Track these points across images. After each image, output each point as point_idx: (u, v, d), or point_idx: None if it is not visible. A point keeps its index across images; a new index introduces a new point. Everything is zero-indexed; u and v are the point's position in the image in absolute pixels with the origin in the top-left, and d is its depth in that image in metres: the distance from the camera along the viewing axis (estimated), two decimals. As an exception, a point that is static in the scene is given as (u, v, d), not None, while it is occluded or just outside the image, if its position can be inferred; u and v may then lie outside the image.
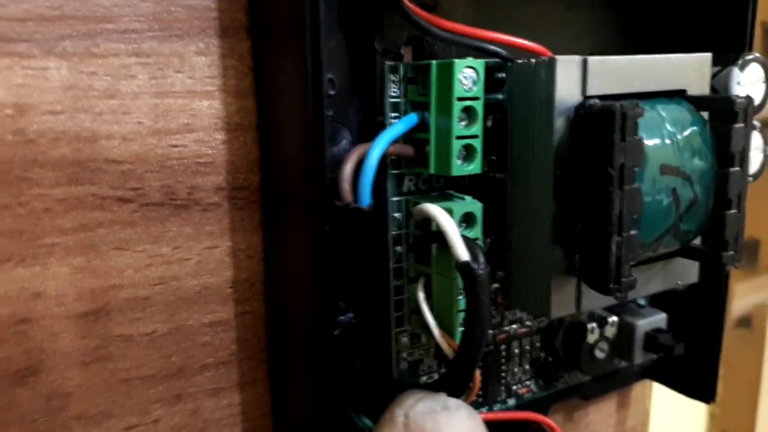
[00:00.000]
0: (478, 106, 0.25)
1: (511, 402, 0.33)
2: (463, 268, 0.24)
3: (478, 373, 0.26)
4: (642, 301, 0.37)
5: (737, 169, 0.27)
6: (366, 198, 0.24)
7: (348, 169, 0.24)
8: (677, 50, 0.28)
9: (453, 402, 0.24)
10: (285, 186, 0.25)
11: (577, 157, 0.25)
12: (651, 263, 0.28)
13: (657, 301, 0.37)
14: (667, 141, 0.26)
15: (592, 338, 0.34)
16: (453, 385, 0.25)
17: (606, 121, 0.23)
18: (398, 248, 0.28)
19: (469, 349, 0.25)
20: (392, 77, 0.27)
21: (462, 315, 0.26)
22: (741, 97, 0.26)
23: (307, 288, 0.24)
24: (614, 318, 0.34)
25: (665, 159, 0.26)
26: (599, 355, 0.34)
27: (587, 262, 0.25)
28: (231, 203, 0.26)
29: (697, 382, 0.38)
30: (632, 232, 0.24)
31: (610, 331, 0.34)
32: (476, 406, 0.32)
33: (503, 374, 0.33)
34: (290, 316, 0.26)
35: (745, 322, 0.70)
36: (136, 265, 0.25)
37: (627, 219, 0.24)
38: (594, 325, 0.34)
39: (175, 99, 0.24)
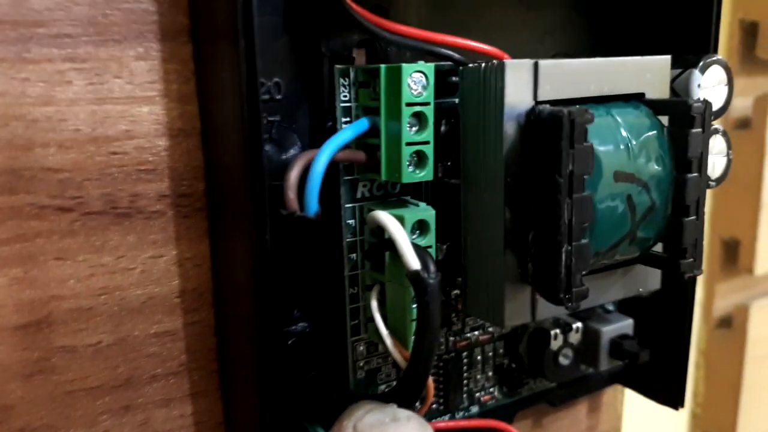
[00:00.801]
0: (428, 111, 0.25)
1: (474, 409, 0.33)
2: (414, 277, 0.24)
3: (431, 382, 0.26)
4: (610, 307, 0.36)
5: (695, 174, 0.26)
6: (312, 206, 0.24)
7: (293, 175, 0.24)
8: (643, 51, 0.27)
9: (403, 413, 0.24)
10: (226, 193, 0.25)
11: (527, 164, 0.24)
12: (610, 270, 0.28)
13: (625, 307, 0.37)
14: (622, 147, 0.25)
15: (555, 345, 0.33)
16: (404, 395, 0.25)
17: (554, 128, 0.23)
18: (353, 256, 0.28)
19: (419, 358, 0.24)
20: (343, 81, 0.26)
21: (414, 324, 0.26)
22: (698, 101, 0.26)
23: (250, 297, 0.24)
24: (579, 324, 0.34)
25: (619, 166, 0.25)
26: (563, 361, 0.34)
27: (539, 270, 0.25)
28: (175, 211, 0.25)
29: (666, 388, 0.37)
30: (583, 242, 0.24)
31: (574, 338, 0.34)
32: (437, 414, 0.32)
33: (465, 381, 0.32)
34: (237, 325, 0.26)
35: (726, 322, 0.69)
36: (77, 275, 0.24)
37: (577, 228, 0.23)
38: (557, 331, 0.33)
39: (114, 105, 0.24)
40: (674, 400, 0.37)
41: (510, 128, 0.24)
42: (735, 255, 0.68)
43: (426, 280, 0.24)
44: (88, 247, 0.24)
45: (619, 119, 0.26)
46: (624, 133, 0.26)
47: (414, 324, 0.26)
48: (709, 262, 0.69)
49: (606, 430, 0.43)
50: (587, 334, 0.34)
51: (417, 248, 0.24)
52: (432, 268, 0.24)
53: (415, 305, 0.25)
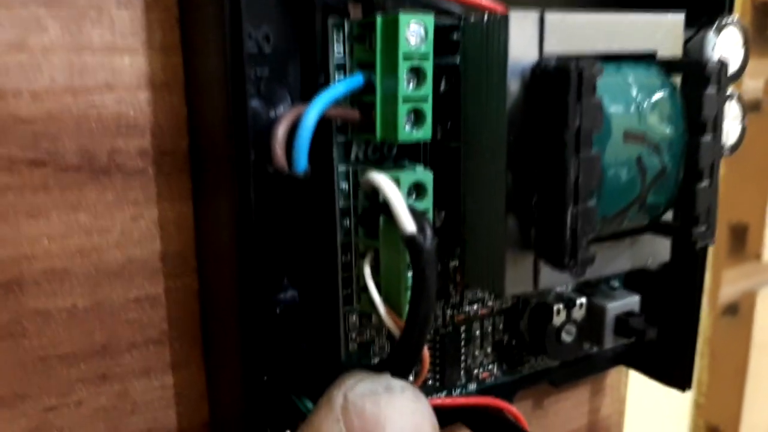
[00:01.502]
0: (427, 65, 0.23)
1: (472, 387, 0.32)
2: (409, 240, 0.22)
3: (427, 352, 0.24)
4: (615, 283, 0.35)
5: (709, 137, 0.25)
6: (301, 164, 0.22)
7: (281, 131, 0.22)
8: (652, 8, 0.26)
9: (397, 383, 0.23)
10: (210, 151, 0.23)
11: (532, 122, 0.23)
12: (618, 240, 0.27)
13: (631, 282, 0.35)
14: (632, 106, 0.24)
15: (558, 320, 0.32)
16: (398, 365, 0.23)
17: (561, 81, 0.21)
18: (346, 221, 0.26)
19: (415, 326, 0.23)
20: (336, 35, 0.25)
21: (410, 292, 0.24)
22: (713, 61, 0.24)
23: (234, 262, 0.22)
24: (583, 300, 0.32)
25: (629, 125, 0.24)
26: (566, 338, 0.32)
27: (543, 235, 0.23)
28: (157, 169, 0.24)
29: (673, 369, 0.36)
30: (590, 204, 0.22)
31: (578, 314, 0.32)
32: (433, 390, 0.30)
33: (463, 358, 0.31)
34: (221, 292, 0.25)
35: (732, 309, 0.68)
36: (51, 234, 0.23)
37: (584, 189, 0.22)
38: (560, 306, 0.32)
39: (93, 55, 0.22)
40: (681, 382, 0.36)
41: (514, 84, 0.23)
42: (743, 240, 0.67)
43: (422, 243, 0.22)
44: (62, 205, 0.23)
45: (629, 77, 0.24)
46: (635, 92, 0.24)
47: (409, 292, 0.24)
48: (716, 247, 0.67)
49: (609, 413, 0.41)
50: (591, 310, 0.33)
51: (413, 211, 0.23)
52: (428, 231, 0.23)
53: (410, 272, 0.24)
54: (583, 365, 0.36)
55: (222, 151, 0.23)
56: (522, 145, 0.23)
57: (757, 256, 0.66)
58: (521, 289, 0.25)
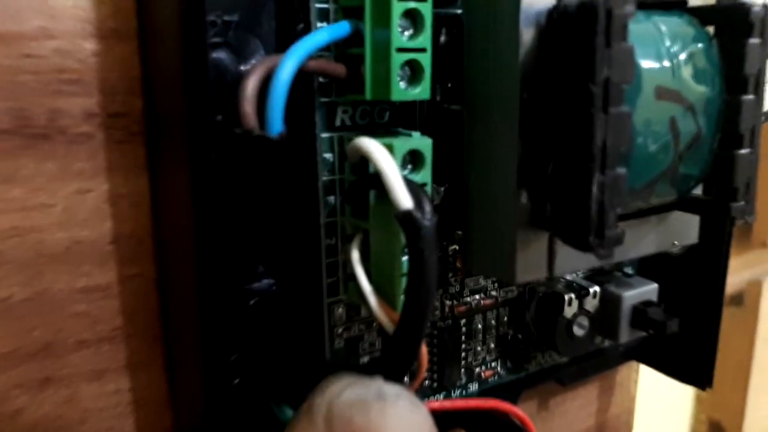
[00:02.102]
0: (425, 8, 0.20)
1: (474, 387, 0.28)
2: (405, 218, 0.19)
3: (425, 350, 0.21)
4: (629, 269, 0.31)
5: (751, 96, 0.21)
6: (275, 124, 0.19)
7: (251, 84, 0.18)
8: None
9: (391, 389, 0.19)
10: (168, 113, 0.20)
11: (549, 76, 0.19)
12: (642, 218, 0.23)
13: (644, 269, 0.32)
14: (665, 59, 0.20)
15: (569, 312, 0.28)
16: (392, 366, 0.20)
17: (586, 23, 0.18)
18: (331, 198, 0.23)
19: (412, 319, 0.19)
20: (318, -24, 0.21)
21: (405, 279, 0.21)
22: (757, 5, 0.21)
23: (194, 245, 0.19)
24: (596, 288, 0.29)
25: (662, 80, 0.20)
26: (578, 332, 0.29)
27: (561, 211, 0.20)
28: (106, 134, 0.20)
29: (692, 365, 0.33)
30: (619, 171, 0.19)
31: (591, 304, 0.29)
32: (430, 392, 0.27)
33: (463, 354, 0.27)
34: (182, 281, 0.21)
35: (737, 300, 0.65)
36: (-23, 212, 0.19)
37: (612, 152, 0.18)
38: (572, 296, 0.28)
39: (25, -8, 0.19)
40: (700, 379, 0.33)
41: (527, 32, 0.19)
42: (748, 228, 0.64)
43: (420, 220, 0.19)
44: (-9, 176, 0.19)
45: (661, 26, 0.21)
46: (668, 43, 0.21)
47: (404, 279, 0.21)
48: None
49: (618, 412, 0.38)
50: (605, 300, 0.29)
51: (409, 183, 0.19)
52: (427, 207, 0.19)
53: (405, 256, 0.21)
54: (594, 361, 0.32)
55: (181, 112, 0.19)
56: (537, 103, 0.20)
57: (763, 244, 0.63)
58: (534, 275, 0.21)
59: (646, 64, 0.20)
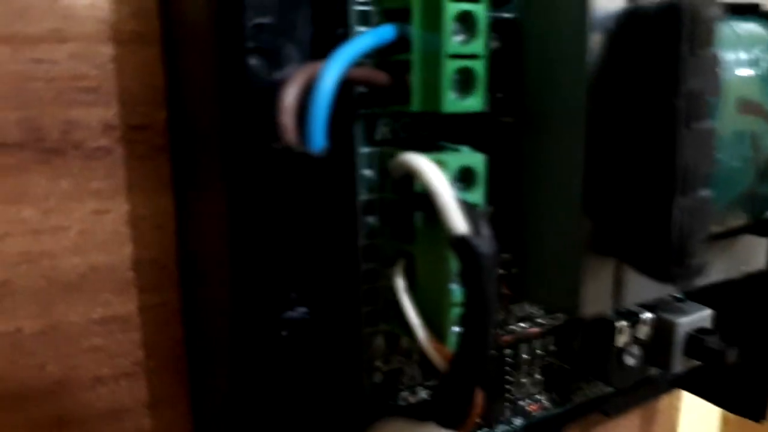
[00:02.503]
0: (479, 11, 0.18)
1: (518, 422, 0.26)
2: (460, 244, 0.17)
3: (481, 394, 0.19)
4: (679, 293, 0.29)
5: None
6: (318, 139, 0.17)
7: (290, 96, 0.17)
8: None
9: (444, 438, 0.17)
10: (196, 126, 0.18)
11: (621, 87, 0.17)
12: (712, 242, 0.21)
13: (692, 293, 0.30)
14: (747, 68, 0.18)
15: (621, 340, 0.26)
16: (445, 410, 0.18)
17: (669, 27, 0.16)
18: (370, 219, 0.21)
19: (469, 359, 0.17)
20: (359, -23, 0.19)
21: (457, 310, 0.19)
22: None
23: (227, 272, 0.17)
24: (648, 315, 0.27)
25: (745, 92, 0.18)
26: (629, 362, 0.27)
27: (634, 237, 0.18)
28: (127, 148, 0.18)
29: (744, 395, 0.31)
30: (702, 192, 0.17)
31: (643, 332, 0.27)
32: (473, 429, 0.25)
33: (508, 387, 0.25)
34: (210, 311, 0.19)
35: None
36: (-16, 235, 0.17)
37: (696, 172, 0.16)
38: (624, 323, 0.26)
39: (39, -8, 0.17)
40: (755, 410, 0.31)
41: (595, 38, 0.17)
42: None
43: (479, 248, 0.17)
44: (0, 195, 0.17)
45: (739, 32, 0.19)
46: (747, 51, 0.19)
47: (454, 309, 0.19)
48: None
49: (660, 442, 0.36)
50: (658, 326, 0.27)
51: (464, 205, 0.17)
52: (485, 232, 0.17)
53: (456, 284, 0.19)
54: (641, 391, 0.30)
55: (212, 124, 0.17)
56: (606, 117, 0.18)
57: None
58: (600, 307, 0.19)
59: (728, 74, 0.18)
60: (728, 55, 0.18)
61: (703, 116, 0.16)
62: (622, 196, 0.18)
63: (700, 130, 0.16)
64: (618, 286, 0.19)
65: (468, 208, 0.17)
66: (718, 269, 0.22)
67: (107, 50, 0.18)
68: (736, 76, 0.18)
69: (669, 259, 0.17)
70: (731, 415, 0.77)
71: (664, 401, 0.36)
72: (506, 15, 0.20)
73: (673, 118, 0.16)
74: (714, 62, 0.16)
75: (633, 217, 0.18)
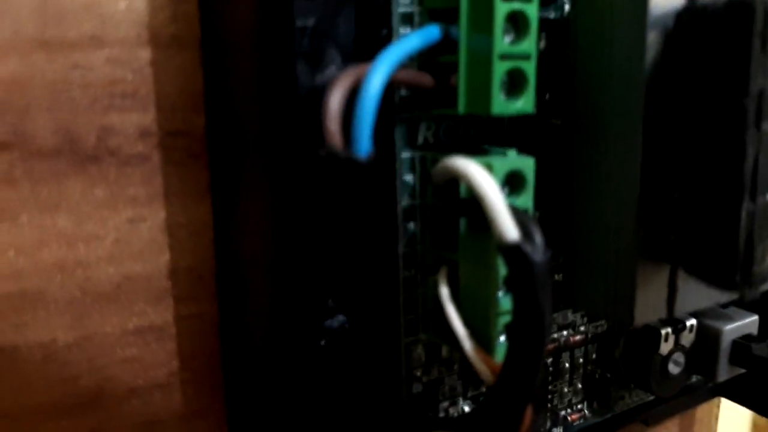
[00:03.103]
0: (531, 10, 0.17)
1: (559, 432, 0.25)
2: (512, 252, 0.16)
3: (530, 408, 0.18)
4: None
5: None
6: (364, 144, 0.16)
7: (335, 100, 0.16)
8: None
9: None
10: (237, 132, 0.17)
11: (681, 87, 0.16)
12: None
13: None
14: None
15: (666, 348, 0.25)
16: (493, 426, 0.17)
17: (738, 24, 0.15)
18: (411, 225, 0.20)
19: (520, 373, 0.17)
20: (403, -25, 0.18)
21: (504, 319, 0.18)
22: None
23: (270, 282, 0.16)
24: (693, 321, 0.26)
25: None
26: (674, 370, 0.26)
27: (695, 243, 0.17)
28: (164, 155, 0.18)
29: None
30: (769, 198, 0.16)
31: (687, 339, 0.26)
32: (514, 440, 0.24)
33: (549, 397, 0.24)
34: (249, 321, 0.18)
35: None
36: (19, 244, 0.17)
37: (764, 176, 0.16)
38: (668, 330, 0.25)
39: (75, -6, 0.16)
40: (800, 419, 0.30)
41: (653, 36, 0.17)
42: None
43: (531, 255, 0.16)
44: (35, 203, 0.17)
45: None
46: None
47: (501, 319, 0.18)
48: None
49: (698, 451, 0.35)
50: (702, 334, 0.26)
51: (514, 211, 0.17)
52: (538, 239, 0.16)
53: (503, 293, 0.18)
54: (682, 399, 0.29)
55: (254, 130, 0.16)
56: (665, 119, 0.17)
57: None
58: (654, 315, 0.18)
59: (793, 71, 0.17)
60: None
61: (771, 118, 0.15)
62: (683, 202, 0.17)
63: (769, 133, 0.15)
64: (672, 293, 0.18)
65: (518, 214, 0.17)
66: (773, 276, 0.21)
67: (145, 54, 0.17)
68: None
69: (735, 266, 0.16)
70: (762, 421, 0.75)
71: (703, 409, 0.35)
72: (554, 14, 0.20)
73: (742, 119, 0.15)
74: (785, 60, 0.15)
75: (695, 222, 0.17)
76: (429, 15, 0.19)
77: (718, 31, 0.15)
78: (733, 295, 0.19)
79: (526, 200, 0.18)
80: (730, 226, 0.16)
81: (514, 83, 0.18)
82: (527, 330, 0.16)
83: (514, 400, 0.17)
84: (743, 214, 0.16)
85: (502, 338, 0.18)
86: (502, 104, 0.17)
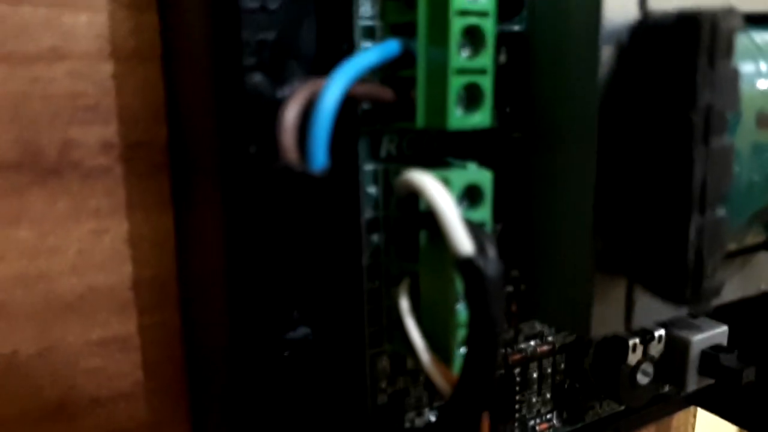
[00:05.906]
0: (487, 24, 0.17)
1: (527, 442, 0.25)
2: (465, 265, 0.16)
3: (487, 419, 0.18)
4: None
5: None
6: (319, 158, 0.16)
7: (291, 114, 0.16)
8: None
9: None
10: (195, 142, 0.17)
11: (634, 101, 0.17)
12: (728, 260, 0.20)
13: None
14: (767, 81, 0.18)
15: (633, 358, 0.26)
16: (449, 436, 0.17)
17: (686, 39, 0.15)
18: (374, 237, 0.20)
19: (474, 384, 0.17)
20: (364, -10, 0.19)
21: (462, 331, 0.18)
22: None
23: (224, 291, 0.16)
24: (661, 332, 0.26)
25: (764, 105, 0.17)
26: (642, 380, 0.26)
27: (648, 257, 0.17)
28: (126, 167, 0.18)
29: (763, 413, 0.30)
30: (719, 213, 0.16)
31: (655, 349, 0.26)
32: (481, 450, 0.24)
33: (517, 407, 0.25)
34: (210, 331, 0.18)
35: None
36: (-22, 256, 0.17)
37: (713, 191, 0.16)
38: (636, 341, 0.25)
39: (36, 8, 0.16)
40: (772, 429, 0.30)
41: (607, 51, 0.17)
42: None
43: (484, 269, 0.16)
44: (-5, 216, 0.17)
45: (759, 42, 0.18)
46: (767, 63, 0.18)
47: (460, 330, 0.18)
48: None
49: (674, 460, 0.35)
50: (671, 344, 0.27)
51: (469, 225, 0.17)
52: (491, 252, 0.17)
53: (462, 305, 0.18)
54: (654, 409, 0.29)
55: (211, 142, 0.17)
56: (619, 132, 0.17)
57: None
58: (610, 328, 0.19)
59: (747, 86, 0.17)
60: (747, 68, 0.18)
61: (721, 132, 0.16)
62: (636, 215, 0.17)
63: (718, 147, 0.16)
64: (630, 306, 0.19)
65: (473, 228, 0.17)
66: (735, 287, 0.21)
67: (106, 67, 0.17)
68: (756, 89, 0.18)
69: (684, 280, 0.16)
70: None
71: (679, 417, 0.35)
72: (514, 28, 0.20)
73: (690, 134, 0.15)
74: (733, 75, 0.16)
75: (646, 236, 0.17)
76: (390, 29, 0.19)
77: (668, 46, 0.16)
78: (699, 313, 0.19)
79: (484, 213, 0.19)
80: (679, 240, 0.16)
81: (471, 97, 0.18)
82: (480, 342, 0.16)
83: (469, 410, 0.17)
84: (692, 228, 0.16)
85: (462, 350, 0.19)
86: (458, 119, 0.18)
